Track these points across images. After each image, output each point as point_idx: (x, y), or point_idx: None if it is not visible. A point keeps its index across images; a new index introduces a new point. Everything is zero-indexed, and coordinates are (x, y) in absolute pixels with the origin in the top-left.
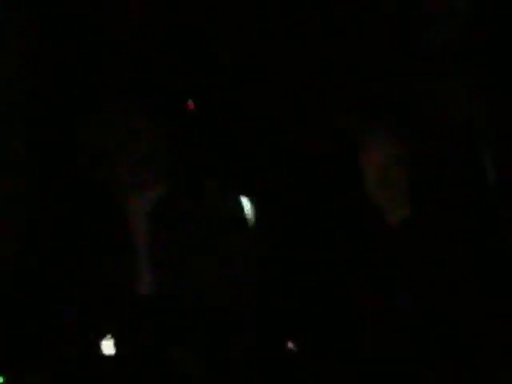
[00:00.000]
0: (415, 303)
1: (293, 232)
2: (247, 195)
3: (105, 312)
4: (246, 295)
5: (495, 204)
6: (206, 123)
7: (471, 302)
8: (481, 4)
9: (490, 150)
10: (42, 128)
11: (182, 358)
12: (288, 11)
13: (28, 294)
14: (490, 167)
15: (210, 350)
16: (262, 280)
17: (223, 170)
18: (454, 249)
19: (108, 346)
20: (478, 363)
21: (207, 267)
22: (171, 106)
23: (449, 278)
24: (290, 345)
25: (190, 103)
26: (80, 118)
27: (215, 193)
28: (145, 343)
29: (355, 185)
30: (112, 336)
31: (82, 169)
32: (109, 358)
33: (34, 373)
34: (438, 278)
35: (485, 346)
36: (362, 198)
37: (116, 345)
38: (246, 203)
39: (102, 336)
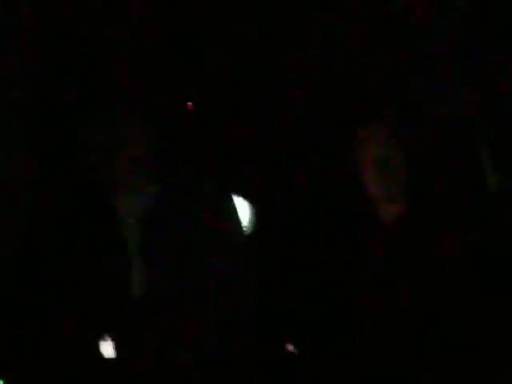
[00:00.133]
0: (415, 303)
1: (292, 232)
2: (247, 196)
3: (104, 312)
4: (246, 295)
5: (495, 204)
6: (206, 123)
7: (471, 302)
8: (481, 4)
9: (490, 149)
10: (41, 128)
11: (182, 358)
12: (288, 11)
13: (28, 294)
14: (489, 167)
15: (211, 350)
16: (261, 280)
17: (223, 170)
18: (453, 248)
19: (107, 347)
20: (478, 363)
21: (207, 267)
22: (171, 106)
23: (448, 278)
24: (290, 347)
25: (190, 103)
26: (80, 118)
27: (215, 193)
28: (144, 343)
29: (355, 185)
30: (112, 336)
31: (81, 169)
32: (108, 358)
33: (34, 373)
34: (437, 277)
35: (485, 346)
36: (362, 197)
37: (115, 345)
38: (245, 204)
39: (102, 336)
